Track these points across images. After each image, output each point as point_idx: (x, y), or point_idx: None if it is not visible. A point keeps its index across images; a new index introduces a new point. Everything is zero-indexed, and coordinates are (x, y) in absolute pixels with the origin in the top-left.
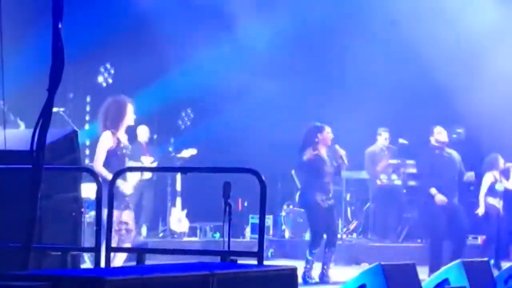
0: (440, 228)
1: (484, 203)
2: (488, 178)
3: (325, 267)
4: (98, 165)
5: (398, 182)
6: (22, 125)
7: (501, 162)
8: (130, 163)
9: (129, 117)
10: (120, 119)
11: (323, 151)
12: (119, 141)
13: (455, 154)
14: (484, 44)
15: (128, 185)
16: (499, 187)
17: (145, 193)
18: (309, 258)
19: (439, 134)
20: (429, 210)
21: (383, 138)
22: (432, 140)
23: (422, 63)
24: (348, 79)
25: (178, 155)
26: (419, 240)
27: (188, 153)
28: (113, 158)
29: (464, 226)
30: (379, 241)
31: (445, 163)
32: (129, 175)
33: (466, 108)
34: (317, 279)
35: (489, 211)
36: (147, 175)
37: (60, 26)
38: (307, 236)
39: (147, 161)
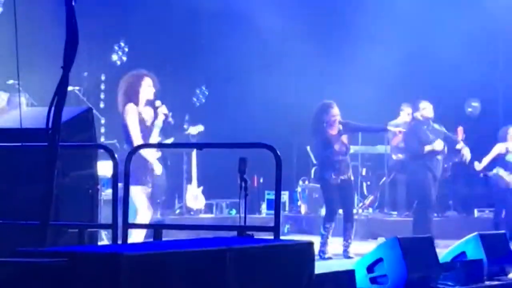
0: (427, 199)
1: (496, 175)
2: (497, 148)
3: (345, 242)
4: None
5: None
6: (23, 102)
7: None
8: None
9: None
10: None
11: (333, 131)
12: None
13: (440, 129)
14: (500, 20)
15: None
16: (509, 157)
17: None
18: (323, 232)
19: (424, 110)
20: (417, 184)
21: (405, 113)
22: (418, 115)
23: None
24: (365, 55)
25: (186, 132)
26: (435, 214)
27: (196, 129)
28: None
29: (434, 200)
30: (396, 216)
31: (430, 138)
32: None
33: (481, 81)
34: (330, 255)
35: (498, 183)
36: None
37: (74, 3)
38: (323, 211)
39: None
